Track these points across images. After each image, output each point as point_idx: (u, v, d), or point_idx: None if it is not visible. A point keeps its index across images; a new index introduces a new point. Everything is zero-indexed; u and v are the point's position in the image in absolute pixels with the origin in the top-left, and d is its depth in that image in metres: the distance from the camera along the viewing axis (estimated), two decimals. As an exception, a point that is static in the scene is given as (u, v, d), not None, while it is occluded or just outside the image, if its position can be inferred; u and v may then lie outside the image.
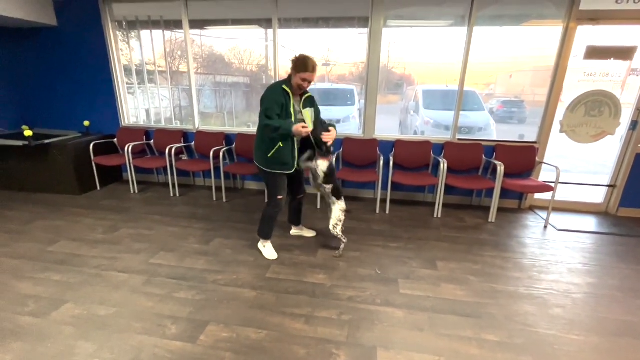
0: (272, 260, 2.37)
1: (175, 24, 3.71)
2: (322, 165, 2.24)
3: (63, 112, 4.07)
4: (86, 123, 3.94)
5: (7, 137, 3.49)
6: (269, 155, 2.13)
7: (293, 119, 2.10)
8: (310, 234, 2.76)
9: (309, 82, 2.07)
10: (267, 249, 2.43)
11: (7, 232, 2.70)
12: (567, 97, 3.18)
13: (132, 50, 3.97)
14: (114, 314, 1.77)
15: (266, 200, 2.41)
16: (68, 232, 2.71)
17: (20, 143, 3.31)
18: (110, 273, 2.15)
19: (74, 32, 3.73)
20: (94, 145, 3.66)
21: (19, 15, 3.32)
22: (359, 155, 3.50)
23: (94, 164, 3.70)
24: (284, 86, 2.06)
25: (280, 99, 2.04)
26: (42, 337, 1.60)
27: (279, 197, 2.25)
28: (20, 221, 2.91)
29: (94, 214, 3.09)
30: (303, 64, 2.00)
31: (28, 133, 3.29)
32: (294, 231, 2.76)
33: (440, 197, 3.16)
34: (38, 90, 4.05)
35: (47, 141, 3.42)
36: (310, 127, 2.06)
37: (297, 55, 2.05)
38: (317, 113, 2.28)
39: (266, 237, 2.41)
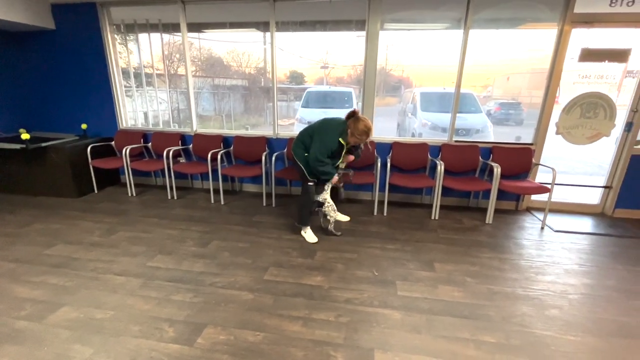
0: (314, 243, 2.66)
1: (174, 27, 3.72)
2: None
3: (60, 115, 4.07)
4: (83, 126, 3.94)
5: (4, 140, 3.48)
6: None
7: (340, 161, 2.60)
8: (344, 218, 3.11)
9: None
10: (308, 234, 2.73)
11: (3, 235, 2.69)
12: (563, 99, 3.21)
13: (130, 53, 3.98)
14: (111, 317, 1.76)
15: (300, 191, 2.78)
16: (65, 235, 2.71)
17: (17, 146, 3.30)
18: (107, 276, 2.15)
19: (72, 35, 3.74)
20: (91, 148, 3.65)
21: (16, 19, 3.33)
22: (357, 157, 3.50)
23: (91, 167, 3.69)
24: (341, 139, 2.42)
25: (334, 147, 2.43)
26: (39, 341, 1.59)
27: (310, 183, 2.61)
28: (17, 224, 2.91)
29: (91, 217, 3.09)
30: (366, 133, 2.38)
31: (25, 136, 3.29)
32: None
33: (437, 199, 3.17)
34: (35, 93, 4.05)
35: (44, 144, 3.41)
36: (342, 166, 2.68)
37: (361, 122, 2.37)
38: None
39: (305, 224, 2.73)
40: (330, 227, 2.76)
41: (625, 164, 3.21)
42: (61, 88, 3.97)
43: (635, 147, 3.16)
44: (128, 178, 3.69)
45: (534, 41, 3.41)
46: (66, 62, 3.85)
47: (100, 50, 3.73)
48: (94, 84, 3.87)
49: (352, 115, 2.44)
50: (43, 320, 1.74)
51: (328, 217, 2.73)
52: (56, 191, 3.60)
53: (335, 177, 2.57)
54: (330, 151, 2.44)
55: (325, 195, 2.68)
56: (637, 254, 2.57)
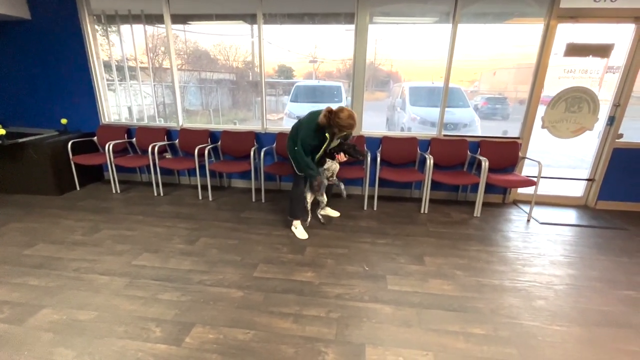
0: (304, 239, 2.63)
1: (157, 19, 3.59)
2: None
3: (38, 109, 3.90)
4: (63, 121, 3.79)
5: (-22, 136, 3.32)
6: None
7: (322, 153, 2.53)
8: (334, 214, 2.99)
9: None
10: (299, 230, 2.70)
11: (-21, 235, 2.58)
12: (549, 93, 3.26)
13: (112, 45, 3.83)
14: (95, 318, 1.71)
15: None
16: (46, 235, 2.61)
17: (-8, 142, 3.16)
18: (91, 276, 2.08)
19: (49, 26, 3.57)
20: (72, 144, 3.52)
21: (-12, 8, 3.16)
22: (347, 152, 3.49)
23: (72, 163, 3.56)
24: (327, 134, 2.39)
25: (314, 142, 2.42)
26: (19, 345, 1.53)
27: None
28: (-7, 224, 2.79)
29: (73, 215, 2.98)
30: (348, 126, 2.30)
31: (1, 132, 3.14)
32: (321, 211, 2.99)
33: (426, 193, 3.19)
34: (11, 86, 3.87)
35: (21, 140, 3.27)
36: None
37: (344, 115, 2.28)
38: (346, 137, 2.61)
39: (296, 217, 2.72)
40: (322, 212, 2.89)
41: (608, 157, 3.30)
42: (39, 81, 3.80)
43: (617, 140, 3.24)
44: (112, 175, 3.58)
45: (520, 36, 3.44)
46: (44, 54, 3.68)
47: (80, 41, 3.57)
48: (73, 77, 3.71)
49: (330, 112, 2.32)
50: (23, 323, 1.67)
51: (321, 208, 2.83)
52: (35, 189, 3.46)
53: (319, 179, 2.52)
54: (308, 145, 2.42)
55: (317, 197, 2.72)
56: (619, 245, 2.65)
